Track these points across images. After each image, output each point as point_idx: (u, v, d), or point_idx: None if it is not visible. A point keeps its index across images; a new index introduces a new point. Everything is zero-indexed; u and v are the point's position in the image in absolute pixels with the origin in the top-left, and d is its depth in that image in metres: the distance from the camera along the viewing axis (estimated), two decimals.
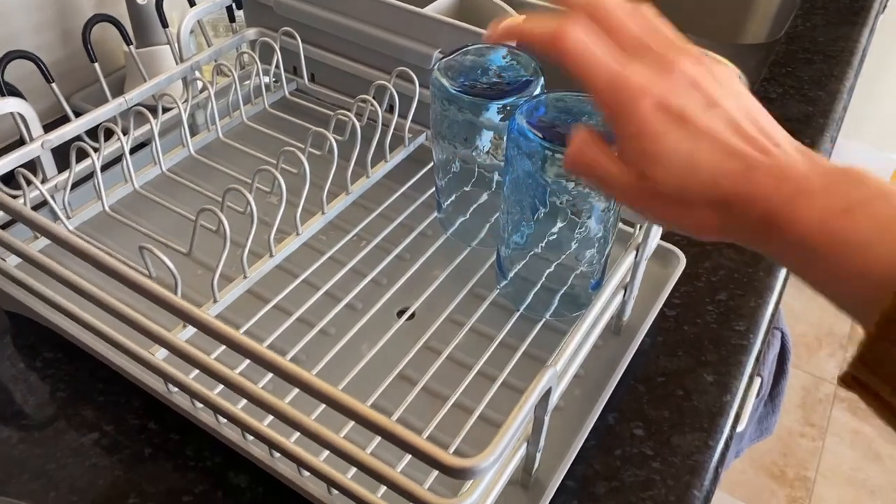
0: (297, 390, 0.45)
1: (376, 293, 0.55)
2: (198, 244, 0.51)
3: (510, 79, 0.52)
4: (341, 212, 0.59)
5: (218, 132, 0.66)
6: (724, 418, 0.52)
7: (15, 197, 0.51)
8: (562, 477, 0.46)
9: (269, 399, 0.38)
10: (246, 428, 0.42)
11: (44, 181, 0.57)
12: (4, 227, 0.55)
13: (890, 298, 0.27)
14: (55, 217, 0.56)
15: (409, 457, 0.44)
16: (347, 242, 0.57)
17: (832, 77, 0.88)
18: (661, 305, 0.57)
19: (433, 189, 0.61)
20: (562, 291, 0.53)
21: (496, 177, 0.55)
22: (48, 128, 0.57)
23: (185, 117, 0.62)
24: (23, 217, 0.46)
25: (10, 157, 0.54)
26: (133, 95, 0.61)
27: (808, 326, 1.78)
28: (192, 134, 0.65)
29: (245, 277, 0.52)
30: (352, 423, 0.44)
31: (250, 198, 0.49)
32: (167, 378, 0.45)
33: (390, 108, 0.63)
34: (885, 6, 1.13)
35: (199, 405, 0.47)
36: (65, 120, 0.59)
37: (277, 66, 0.69)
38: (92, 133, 0.59)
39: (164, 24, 0.69)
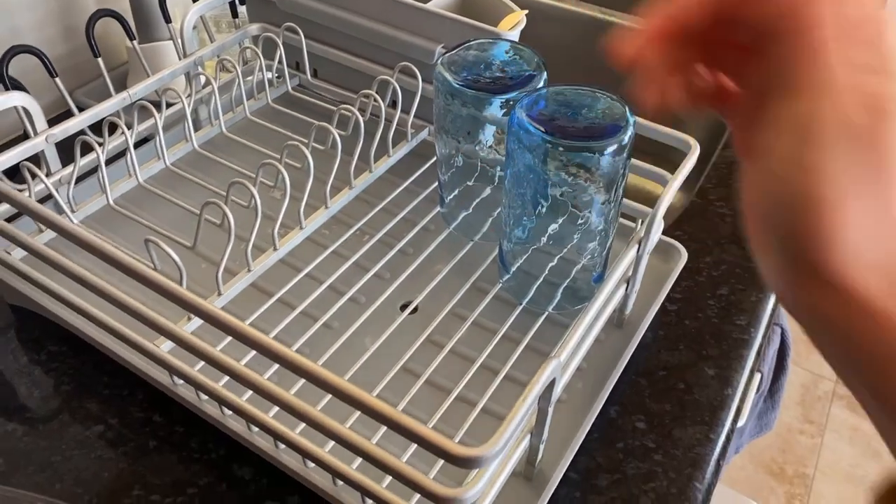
0: (301, 382, 0.45)
1: (379, 287, 0.55)
2: (202, 238, 0.51)
3: (513, 73, 0.52)
4: (344, 206, 0.59)
5: (221, 127, 0.67)
6: (726, 412, 0.52)
7: (20, 191, 0.51)
8: (565, 469, 0.46)
9: (274, 390, 0.38)
10: (251, 419, 0.42)
11: (48, 175, 0.57)
12: (8, 221, 0.55)
13: None
14: (60, 211, 0.56)
15: (412, 449, 0.44)
16: (350, 237, 0.58)
17: None
18: (662, 300, 0.57)
19: (436, 184, 0.62)
20: (564, 285, 0.53)
21: (499, 171, 0.56)
22: (52, 122, 0.57)
23: (188, 112, 0.62)
24: (29, 210, 0.46)
25: (14, 150, 0.54)
26: (137, 90, 0.61)
27: None
28: (196, 129, 0.66)
29: (249, 271, 0.52)
30: (356, 414, 0.44)
31: (254, 192, 0.50)
32: (172, 370, 0.45)
33: (393, 104, 0.63)
34: (885, 6, 1.13)
35: (204, 397, 0.47)
36: (68, 115, 0.59)
37: (280, 62, 0.70)
38: (95, 128, 0.59)
39: (167, 20, 0.69)
